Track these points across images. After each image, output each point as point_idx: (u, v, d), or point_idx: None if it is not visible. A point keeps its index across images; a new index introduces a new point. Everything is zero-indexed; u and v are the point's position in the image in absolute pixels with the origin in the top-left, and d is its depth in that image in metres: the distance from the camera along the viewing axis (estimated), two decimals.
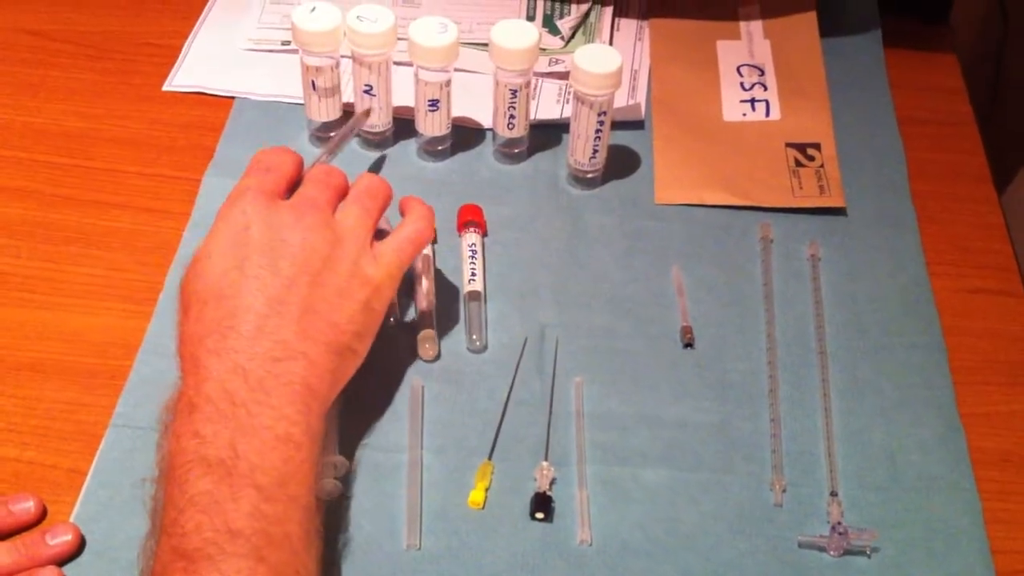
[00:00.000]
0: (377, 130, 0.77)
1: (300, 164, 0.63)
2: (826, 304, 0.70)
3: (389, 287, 0.60)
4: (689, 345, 0.67)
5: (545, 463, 0.61)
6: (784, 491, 0.61)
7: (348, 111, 0.77)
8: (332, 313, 0.57)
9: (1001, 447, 0.64)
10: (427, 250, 0.69)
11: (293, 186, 0.62)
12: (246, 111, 0.80)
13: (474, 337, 0.66)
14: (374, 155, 0.78)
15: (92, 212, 0.73)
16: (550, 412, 0.64)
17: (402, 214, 0.64)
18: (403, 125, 0.78)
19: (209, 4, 0.88)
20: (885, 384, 0.66)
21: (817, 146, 0.79)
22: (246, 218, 0.58)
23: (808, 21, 0.86)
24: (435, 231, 0.62)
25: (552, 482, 0.60)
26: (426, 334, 0.66)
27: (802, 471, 0.62)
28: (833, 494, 0.60)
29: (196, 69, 0.82)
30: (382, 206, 0.62)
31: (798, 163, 0.78)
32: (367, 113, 0.75)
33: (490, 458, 0.61)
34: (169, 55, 0.83)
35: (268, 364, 0.53)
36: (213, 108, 0.80)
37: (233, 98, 0.80)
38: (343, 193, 0.62)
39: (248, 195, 0.59)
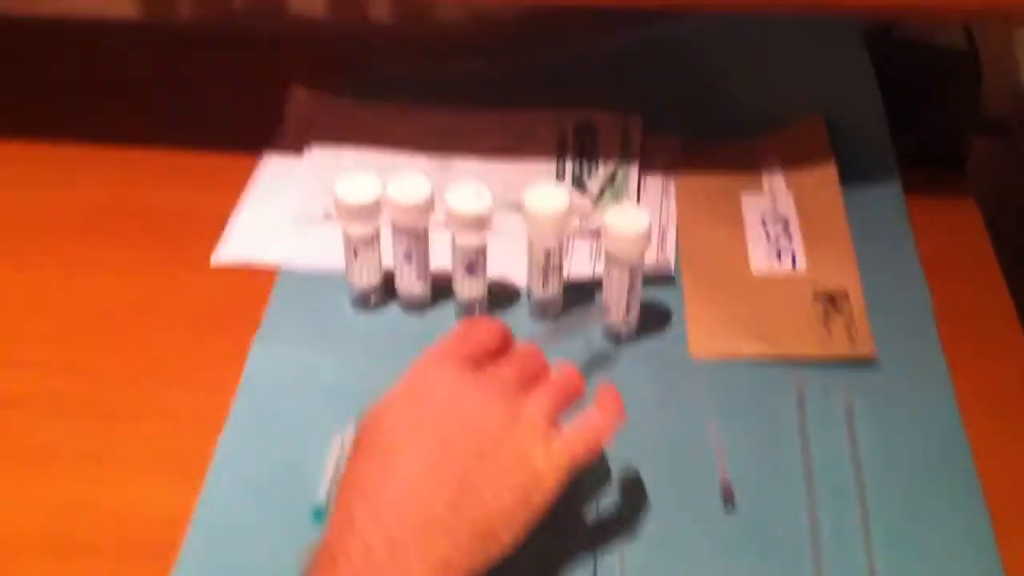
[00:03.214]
0: (416, 294, 0.80)
1: (506, 338, 0.65)
2: (863, 457, 0.70)
3: (553, 482, 0.58)
4: (729, 503, 0.68)
5: None
6: None
7: (388, 276, 0.80)
8: (486, 493, 0.57)
9: None
10: None
11: (494, 358, 0.64)
12: (291, 281, 0.83)
13: None
14: (415, 319, 0.80)
15: (145, 387, 0.75)
16: None
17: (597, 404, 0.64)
18: (441, 288, 0.80)
19: (252, 178, 0.92)
20: (927, 537, 0.66)
21: (845, 295, 0.80)
22: (432, 381, 0.61)
23: (828, 173, 0.89)
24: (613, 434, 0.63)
25: None
26: None
27: None
28: None
29: (242, 242, 0.86)
30: (572, 401, 0.63)
31: (827, 313, 0.79)
32: (600, 311, 0.77)
33: None
34: (215, 228, 0.87)
35: (413, 531, 0.55)
36: (259, 279, 0.83)
37: (278, 268, 0.84)
38: (539, 377, 0.63)
39: (443, 359, 0.62)
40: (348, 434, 0.71)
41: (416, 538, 0.55)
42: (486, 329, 0.65)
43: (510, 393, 0.61)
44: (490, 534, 0.56)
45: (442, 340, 0.64)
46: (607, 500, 0.68)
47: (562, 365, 0.65)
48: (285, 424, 0.72)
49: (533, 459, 0.58)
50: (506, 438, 0.58)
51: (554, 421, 0.61)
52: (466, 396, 0.60)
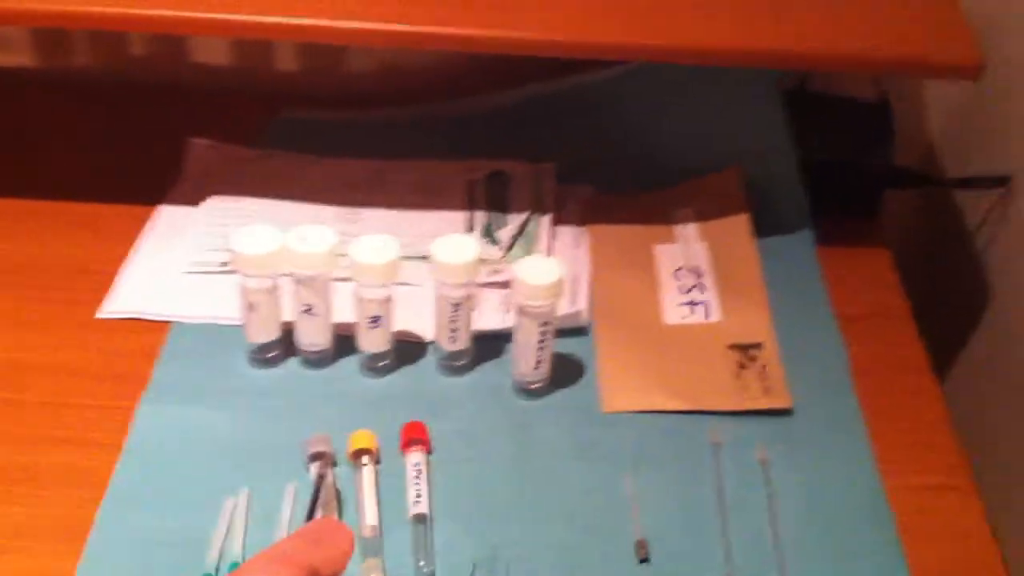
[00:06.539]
0: (317, 348, 0.76)
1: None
2: (780, 507, 0.68)
3: None
4: (644, 560, 0.65)
5: None
6: None
7: (287, 329, 0.76)
8: None
9: None
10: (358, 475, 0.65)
11: None
12: (183, 335, 0.79)
13: (421, 564, 0.64)
14: (316, 374, 0.76)
15: (24, 448, 0.71)
16: None
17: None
18: (344, 342, 0.77)
19: (145, 229, 0.88)
20: None
21: (759, 346, 0.79)
22: None
23: (742, 223, 0.88)
24: None
25: None
26: (370, 564, 0.63)
27: None
28: None
29: (132, 294, 0.81)
30: None
31: (741, 365, 0.78)
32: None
33: None
34: (105, 281, 0.82)
35: None
36: (150, 333, 0.79)
37: (170, 322, 0.80)
38: None
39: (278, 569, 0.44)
40: (241, 498, 0.67)
41: None
42: (339, 546, 0.46)
43: None
44: None
45: (289, 542, 0.46)
46: (518, 555, 0.65)
47: None
48: (174, 486, 0.68)
49: None
50: None
51: None
52: None
